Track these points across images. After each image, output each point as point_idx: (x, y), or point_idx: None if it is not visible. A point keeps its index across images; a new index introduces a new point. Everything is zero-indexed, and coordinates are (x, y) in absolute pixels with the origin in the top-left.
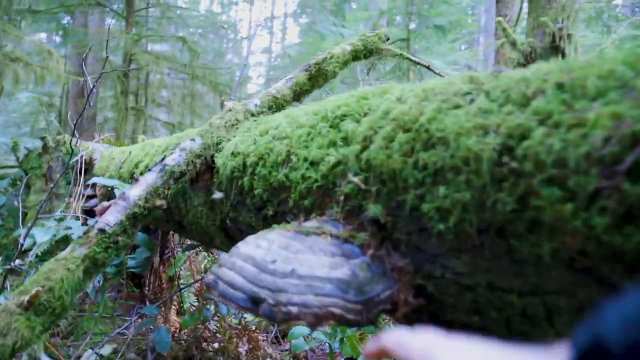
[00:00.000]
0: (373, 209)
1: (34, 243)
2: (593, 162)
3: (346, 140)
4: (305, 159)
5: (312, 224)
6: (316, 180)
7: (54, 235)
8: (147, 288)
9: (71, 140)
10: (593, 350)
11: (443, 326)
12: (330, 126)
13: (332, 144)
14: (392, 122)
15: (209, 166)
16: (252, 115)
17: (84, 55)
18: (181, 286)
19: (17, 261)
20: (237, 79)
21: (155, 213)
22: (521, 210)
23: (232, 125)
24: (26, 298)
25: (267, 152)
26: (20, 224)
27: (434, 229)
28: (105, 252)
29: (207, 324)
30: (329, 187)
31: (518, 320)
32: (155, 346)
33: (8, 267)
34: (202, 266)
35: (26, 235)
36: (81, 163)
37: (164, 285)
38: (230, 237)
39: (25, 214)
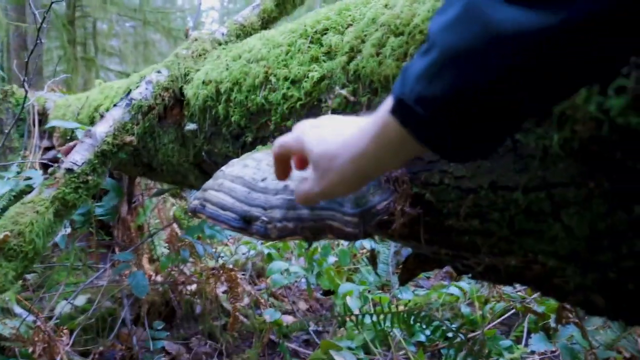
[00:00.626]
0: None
1: None
2: None
3: (329, 54)
4: (286, 78)
5: None
6: (299, 99)
7: (12, 190)
8: (116, 237)
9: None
10: (400, 100)
11: (439, 235)
12: (311, 42)
13: (315, 59)
14: (382, 27)
15: (178, 100)
16: (220, 44)
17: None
18: (151, 232)
19: None
20: (191, 22)
21: (126, 150)
22: None
23: (200, 55)
24: None
25: (243, 76)
26: None
27: None
28: (75, 192)
29: (182, 267)
30: (314, 104)
31: (522, 218)
32: (130, 292)
33: None
34: (171, 214)
35: None
36: (34, 114)
37: (133, 234)
38: (205, 172)
39: None
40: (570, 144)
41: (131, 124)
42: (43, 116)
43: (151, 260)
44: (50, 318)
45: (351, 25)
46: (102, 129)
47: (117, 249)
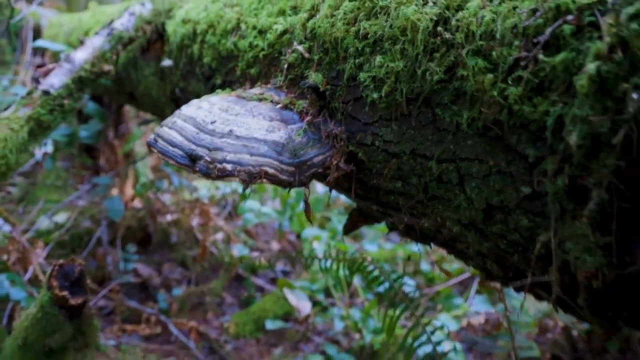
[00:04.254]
0: (314, 77)
1: None
2: (518, 34)
3: (295, 10)
4: (254, 27)
5: (256, 90)
6: (263, 49)
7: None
8: (101, 161)
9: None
10: None
11: (370, 192)
12: None
13: (282, 12)
14: None
15: (160, 35)
16: None
17: None
18: (136, 159)
19: None
20: None
21: (105, 78)
22: (448, 80)
23: None
24: None
25: (218, 20)
26: None
27: (368, 97)
28: (50, 114)
29: (160, 196)
30: (275, 56)
31: (434, 185)
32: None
33: None
34: None
35: None
36: (28, 29)
37: (119, 159)
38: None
39: None
40: (476, 124)
41: (110, 54)
42: (37, 33)
43: (135, 186)
44: (27, 231)
45: None
46: (82, 55)
47: (101, 173)
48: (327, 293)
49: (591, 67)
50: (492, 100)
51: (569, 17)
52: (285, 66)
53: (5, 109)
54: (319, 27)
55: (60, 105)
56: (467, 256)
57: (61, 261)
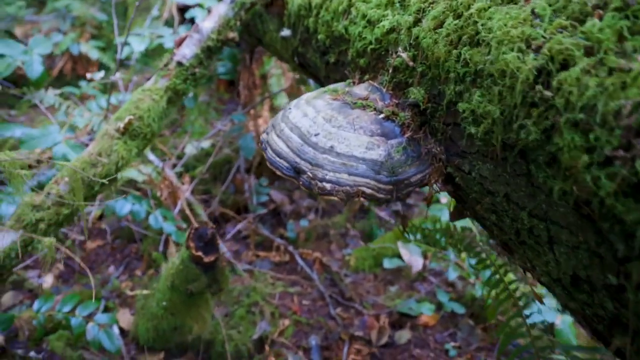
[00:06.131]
0: (415, 93)
1: (132, 52)
2: (620, 122)
3: (403, 4)
4: (364, 16)
5: (361, 91)
6: (371, 43)
7: (150, 43)
8: (239, 89)
9: None
10: None
11: (468, 206)
12: None
13: (391, 3)
14: (445, 1)
15: None
16: None
17: None
18: (270, 92)
19: (117, 74)
20: None
21: (228, 45)
22: (544, 142)
23: None
24: (121, 125)
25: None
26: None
27: (466, 129)
28: (184, 83)
29: None
30: (382, 52)
31: (525, 234)
32: None
33: (111, 80)
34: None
35: (124, 45)
36: None
37: (257, 82)
38: (303, 65)
39: (125, 9)
40: (568, 197)
41: (234, 20)
42: None
43: (272, 109)
44: (175, 165)
45: None
46: (208, 24)
47: (239, 103)
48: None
49: None
50: (585, 182)
51: None
52: (391, 70)
53: (148, 79)
54: (423, 38)
55: (193, 74)
56: (560, 301)
57: (196, 225)
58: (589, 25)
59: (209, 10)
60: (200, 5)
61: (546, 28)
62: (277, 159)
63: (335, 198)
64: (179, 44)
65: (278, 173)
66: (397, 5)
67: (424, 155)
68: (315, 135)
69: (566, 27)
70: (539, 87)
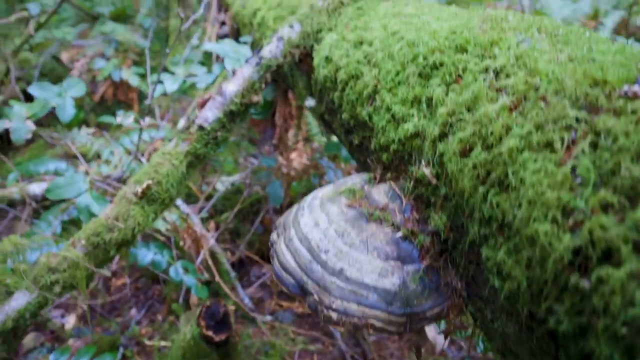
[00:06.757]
0: (436, 220)
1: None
2: None
3: (430, 105)
4: (388, 109)
5: (380, 197)
6: (393, 141)
7: (183, 82)
8: (274, 119)
9: None
10: None
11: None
12: (419, 75)
13: (417, 101)
14: (475, 124)
15: (308, 54)
16: None
17: None
18: (306, 123)
19: (147, 119)
20: None
21: (253, 107)
22: (576, 337)
23: (335, 9)
24: (140, 189)
25: (356, 76)
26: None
27: (489, 280)
28: (205, 147)
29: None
30: (404, 156)
31: None
32: None
33: (140, 127)
34: None
35: (157, 83)
36: None
37: (293, 113)
38: (329, 129)
39: (167, 36)
40: None
41: (259, 83)
42: None
43: (306, 139)
44: (202, 208)
45: (460, 77)
46: (232, 87)
47: (271, 141)
48: None
49: None
50: None
51: None
52: (412, 181)
53: (169, 141)
54: (449, 162)
55: (214, 138)
56: None
57: (208, 303)
58: None
59: (234, 72)
60: (229, 56)
61: (588, 198)
62: (284, 273)
63: (342, 329)
64: (202, 105)
65: (284, 289)
66: (424, 105)
67: (442, 287)
68: (325, 252)
69: (613, 204)
70: (575, 275)
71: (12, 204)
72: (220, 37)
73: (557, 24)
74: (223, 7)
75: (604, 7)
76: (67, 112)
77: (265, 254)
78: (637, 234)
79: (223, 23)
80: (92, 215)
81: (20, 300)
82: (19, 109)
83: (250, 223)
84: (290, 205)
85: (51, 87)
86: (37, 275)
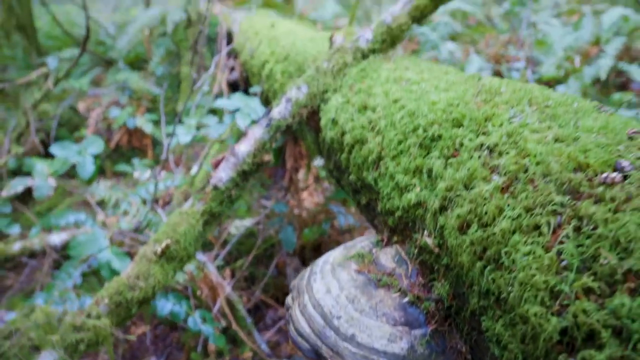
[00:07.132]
0: (439, 289)
1: (177, 143)
2: None
3: (430, 177)
4: (392, 177)
5: (388, 261)
6: (398, 208)
7: (195, 136)
8: (285, 158)
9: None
10: None
11: None
12: (420, 145)
13: (419, 171)
14: (471, 203)
15: (315, 112)
16: (363, 54)
17: None
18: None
19: (162, 174)
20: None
21: (264, 166)
22: None
23: (339, 70)
24: (159, 248)
25: (362, 141)
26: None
27: (490, 348)
28: (220, 205)
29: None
30: (408, 223)
31: None
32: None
33: (155, 181)
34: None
35: (172, 136)
36: (222, 34)
37: (303, 152)
38: (340, 183)
39: (179, 83)
40: None
41: (269, 143)
42: (230, 36)
43: (317, 179)
44: (217, 255)
45: (457, 151)
46: (244, 148)
47: (282, 183)
48: None
49: None
50: None
51: None
52: (416, 250)
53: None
54: (449, 236)
55: (229, 197)
56: None
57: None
58: (618, 304)
59: (245, 133)
60: (238, 110)
61: (572, 283)
62: (299, 338)
63: None
64: (216, 165)
65: (300, 354)
66: (425, 176)
67: (448, 350)
68: (338, 318)
69: (594, 290)
70: (563, 355)
71: (32, 254)
72: (230, 82)
73: (547, 94)
74: (232, 53)
75: (605, 35)
76: (87, 169)
77: (281, 298)
78: (616, 320)
79: (232, 69)
80: (113, 271)
81: (47, 359)
82: (41, 167)
83: (264, 267)
84: (302, 250)
85: (71, 146)
86: (63, 333)
